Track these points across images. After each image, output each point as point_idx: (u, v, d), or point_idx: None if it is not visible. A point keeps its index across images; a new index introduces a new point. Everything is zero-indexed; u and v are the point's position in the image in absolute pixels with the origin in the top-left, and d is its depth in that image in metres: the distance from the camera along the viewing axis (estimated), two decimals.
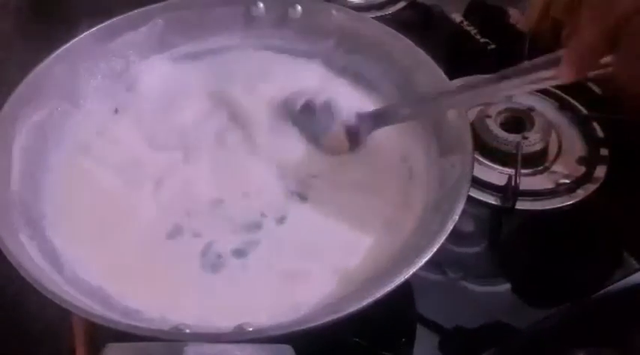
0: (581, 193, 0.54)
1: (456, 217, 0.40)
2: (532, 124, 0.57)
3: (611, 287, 0.49)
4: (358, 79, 0.57)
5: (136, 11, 0.56)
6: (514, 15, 0.74)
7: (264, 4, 0.58)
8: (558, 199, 0.54)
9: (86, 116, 0.53)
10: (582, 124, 0.60)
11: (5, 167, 0.45)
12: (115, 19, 0.55)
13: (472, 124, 0.48)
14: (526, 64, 0.41)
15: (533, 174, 0.56)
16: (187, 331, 0.39)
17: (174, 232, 0.47)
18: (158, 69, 0.57)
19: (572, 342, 0.47)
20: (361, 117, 0.50)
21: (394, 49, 0.55)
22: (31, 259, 0.41)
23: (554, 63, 0.38)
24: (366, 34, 0.56)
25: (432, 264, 0.38)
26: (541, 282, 0.50)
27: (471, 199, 0.47)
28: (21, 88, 0.48)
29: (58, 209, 0.47)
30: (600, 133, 0.59)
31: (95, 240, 0.46)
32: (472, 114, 0.59)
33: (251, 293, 0.43)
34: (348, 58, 0.58)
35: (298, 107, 0.52)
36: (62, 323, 0.45)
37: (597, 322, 0.49)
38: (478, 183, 0.54)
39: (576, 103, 0.62)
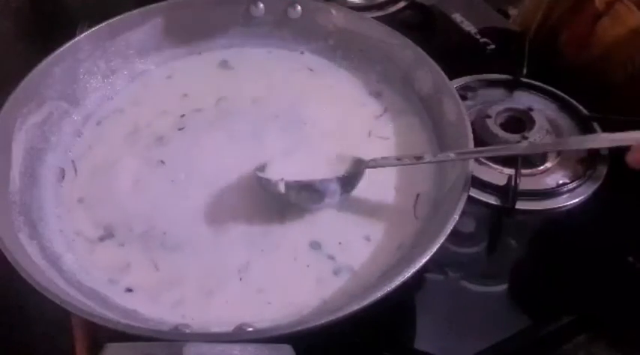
0: (581, 193, 0.54)
1: (456, 217, 0.40)
2: (532, 124, 0.57)
3: (610, 288, 0.49)
4: (358, 75, 0.57)
5: (136, 11, 0.56)
6: (514, 15, 0.74)
7: (264, 4, 0.58)
8: (558, 199, 0.54)
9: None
10: (582, 124, 0.60)
11: (5, 167, 0.46)
12: (114, 19, 0.55)
13: (472, 124, 0.47)
14: None
15: (533, 174, 0.56)
16: (187, 331, 0.39)
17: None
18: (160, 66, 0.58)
19: (572, 341, 0.48)
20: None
21: (394, 48, 0.55)
22: (31, 259, 0.41)
23: None
24: (366, 34, 0.56)
25: (432, 263, 0.38)
26: (541, 282, 0.50)
27: (471, 199, 0.47)
28: (21, 88, 0.48)
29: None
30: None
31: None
32: (472, 114, 0.59)
33: None
34: (348, 58, 0.58)
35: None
36: (62, 323, 0.45)
37: (598, 321, 0.49)
38: (478, 183, 0.54)
39: (576, 103, 0.62)
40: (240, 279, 0.44)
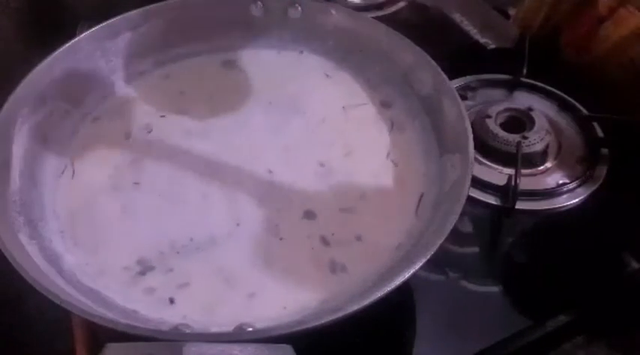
0: (581, 193, 0.54)
1: (456, 217, 0.40)
2: (532, 124, 0.57)
3: (610, 288, 0.49)
4: (358, 75, 0.57)
5: (135, 11, 0.56)
6: (514, 15, 0.74)
7: (264, 4, 0.58)
8: (558, 199, 0.54)
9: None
10: (582, 124, 0.60)
11: (5, 167, 0.45)
12: (114, 19, 0.55)
13: (472, 124, 0.47)
14: None
15: (533, 174, 0.56)
16: (187, 331, 0.39)
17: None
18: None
19: (572, 341, 0.48)
20: None
21: (394, 48, 0.55)
22: (31, 259, 0.41)
23: None
24: (366, 34, 0.56)
25: (432, 263, 0.38)
26: (541, 282, 0.50)
27: (471, 199, 0.47)
28: (21, 88, 0.48)
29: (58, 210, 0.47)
30: (600, 133, 0.59)
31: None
32: (472, 114, 0.59)
33: None
34: (348, 58, 0.58)
35: None
36: (62, 323, 0.45)
37: (597, 321, 0.49)
38: (478, 183, 0.54)
39: (576, 103, 0.62)
40: (281, 239, 0.45)
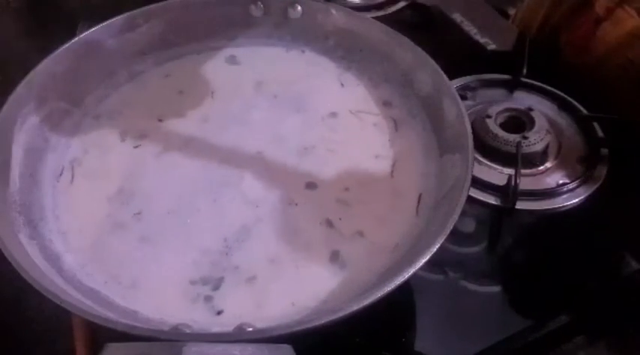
0: (581, 193, 0.54)
1: (456, 217, 0.40)
2: (532, 124, 0.57)
3: (610, 288, 0.49)
4: (363, 75, 0.58)
5: (135, 11, 0.56)
6: (514, 15, 0.74)
7: (264, 4, 0.58)
8: (558, 199, 0.54)
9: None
10: (582, 124, 0.60)
11: (5, 168, 0.45)
12: (114, 19, 0.55)
13: (472, 124, 0.47)
14: None
15: (533, 174, 0.56)
16: (187, 331, 0.39)
17: None
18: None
19: (572, 341, 0.48)
20: None
21: (394, 48, 0.55)
22: (31, 259, 0.41)
23: None
24: (366, 34, 0.56)
25: (432, 263, 0.38)
26: (541, 282, 0.50)
27: (471, 199, 0.47)
28: (21, 88, 0.48)
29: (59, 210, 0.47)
30: (600, 133, 0.59)
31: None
32: (472, 114, 0.59)
33: None
34: (349, 57, 0.58)
35: None
36: (62, 323, 0.45)
37: (597, 321, 0.49)
38: (478, 183, 0.54)
39: (576, 103, 0.62)
40: (296, 205, 0.47)
